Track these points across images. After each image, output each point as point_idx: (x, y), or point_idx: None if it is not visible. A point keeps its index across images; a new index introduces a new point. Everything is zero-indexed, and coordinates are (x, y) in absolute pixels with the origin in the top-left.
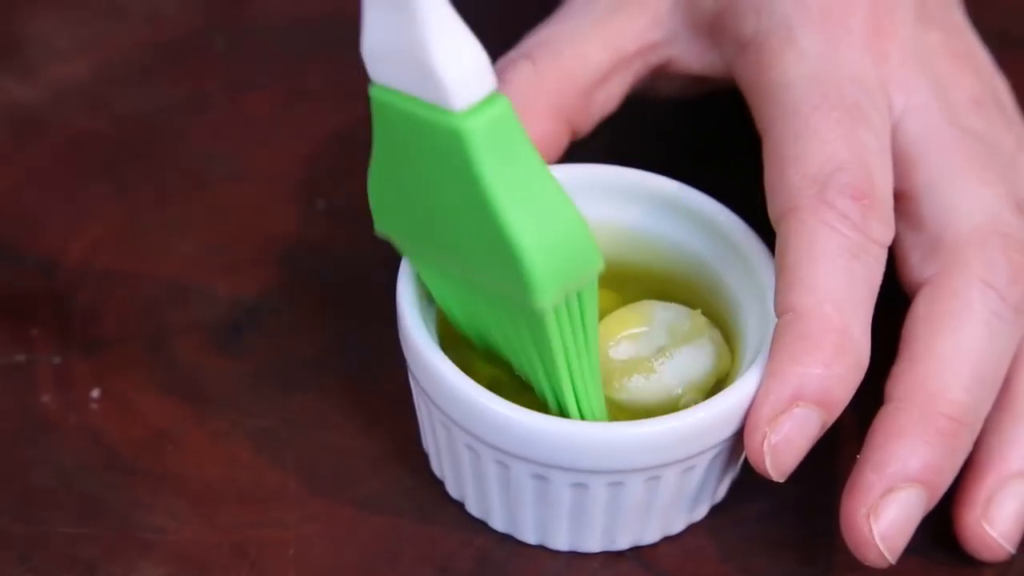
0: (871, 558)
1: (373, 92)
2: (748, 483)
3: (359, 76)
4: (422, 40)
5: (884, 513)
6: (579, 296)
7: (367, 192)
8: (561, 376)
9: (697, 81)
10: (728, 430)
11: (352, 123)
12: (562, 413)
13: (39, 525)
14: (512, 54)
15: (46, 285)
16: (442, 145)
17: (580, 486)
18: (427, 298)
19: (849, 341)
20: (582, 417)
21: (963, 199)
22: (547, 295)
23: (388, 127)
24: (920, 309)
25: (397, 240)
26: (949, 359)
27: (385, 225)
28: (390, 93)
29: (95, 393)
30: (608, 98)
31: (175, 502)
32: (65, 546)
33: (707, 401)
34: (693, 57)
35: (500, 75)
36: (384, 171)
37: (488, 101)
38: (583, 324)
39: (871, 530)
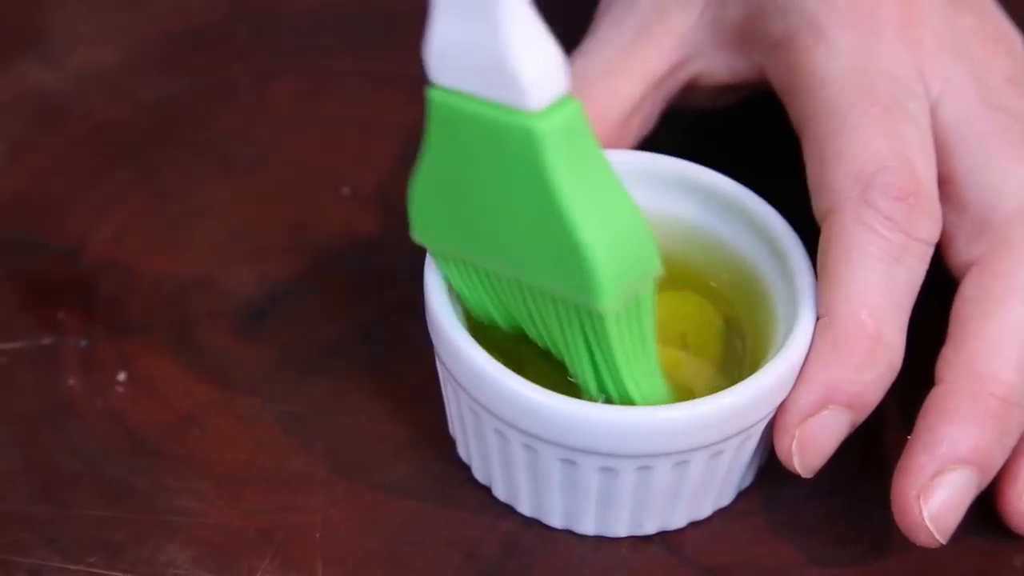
0: (922, 539)
1: (433, 94)
2: (776, 469)
3: (384, 66)
4: (502, 38)
5: (934, 495)
6: (638, 298)
7: (406, 196)
8: (622, 374)
9: (727, 90)
10: (757, 415)
11: (377, 111)
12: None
13: (65, 508)
14: None
15: (72, 271)
16: (510, 146)
17: (608, 470)
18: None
19: (882, 347)
20: None
21: (1006, 179)
22: (611, 298)
23: (445, 129)
24: (968, 290)
25: (434, 246)
26: (999, 340)
27: (423, 232)
28: (452, 95)
29: (121, 376)
30: (643, 122)
31: (201, 485)
32: (91, 529)
33: (735, 386)
34: (722, 67)
35: None
36: (433, 175)
37: (562, 102)
38: (640, 324)
39: (921, 512)
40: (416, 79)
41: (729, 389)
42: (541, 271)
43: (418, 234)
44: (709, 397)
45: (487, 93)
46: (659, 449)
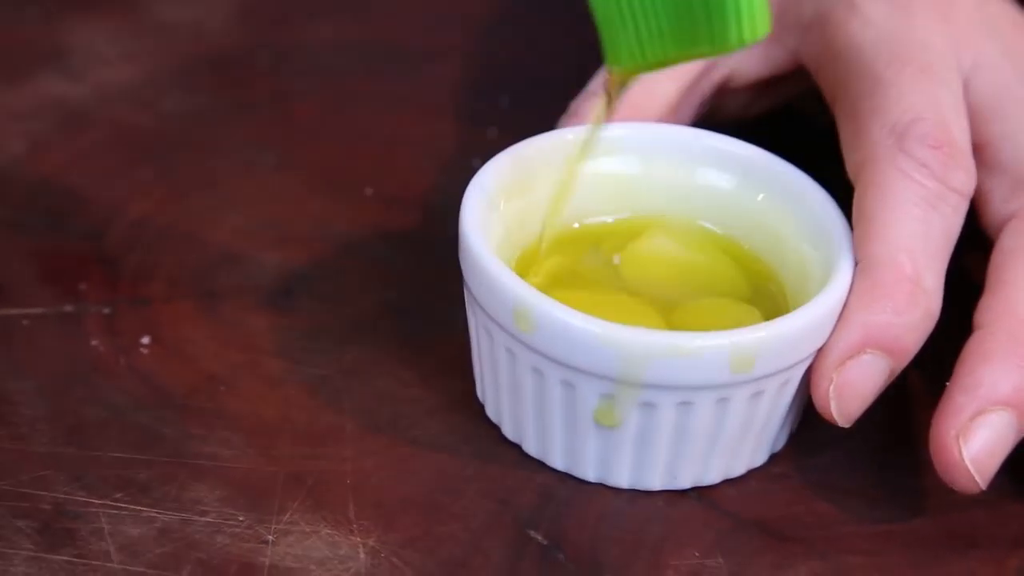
0: (961, 482)
1: None
2: (810, 437)
3: (397, 89)
4: None
5: (974, 436)
6: None
7: None
8: None
9: (761, 89)
10: (797, 353)
11: (395, 128)
12: None
13: (91, 451)
14: (586, 90)
15: (94, 249)
16: None
17: (648, 406)
18: (490, 224)
19: (920, 291)
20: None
21: None
22: (743, 34)
23: None
24: (1006, 242)
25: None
26: None
27: None
28: None
29: (145, 340)
30: (679, 123)
31: (230, 436)
32: (117, 468)
33: (776, 320)
34: (756, 61)
35: (576, 111)
36: None
37: None
38: None
39: (961, 453)
40: (428, 102)
41: (769, 322)
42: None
43: None
44: (751, 327)
45: None
46: (700, 381)
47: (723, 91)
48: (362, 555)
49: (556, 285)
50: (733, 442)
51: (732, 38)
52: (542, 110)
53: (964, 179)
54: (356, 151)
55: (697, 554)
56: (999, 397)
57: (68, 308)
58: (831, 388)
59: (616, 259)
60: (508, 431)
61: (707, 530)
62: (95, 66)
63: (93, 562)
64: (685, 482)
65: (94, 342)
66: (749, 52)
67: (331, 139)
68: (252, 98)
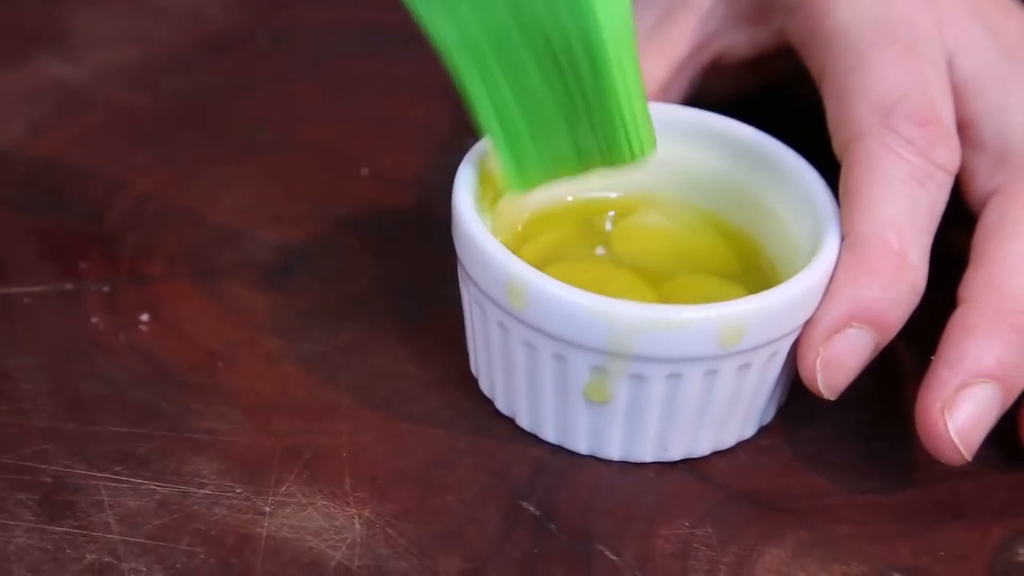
0: (947, 454)
1: None
2: (798, 410)
3: (397, 71)
4: None
5: (959, 408)
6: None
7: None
8: (610, 95)
9: (749, 68)
10: (784, 326)
11: (392, 109)
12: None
13: (91, 425)
14: None
15: (94, 229)
16: None
17: (638, 378)
18: (483, 202)
19: (906, 265)
20: (632, 148)
21: None
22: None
23: None
24: (990, 218)
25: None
26: (1021, 260)
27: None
28: None
29: (144, 317)
30: (669, 103)
31: (227, 411)
32: (117, 442)
33: (764, 292)
34: (743, 42)
35: None
36: None
37: None
38: (631, 49)
39: (946, 425)
40: (425, 84)
41: (757, 295)
42: None
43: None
44: (738, 300)
45: None
46: (689, 353)
47: (712, 71)
48: (357, 526)
49: (548, 260)
50: (722, 414)
51: (625, 159)
52: None
53: (949, 156)
54: (353, 132)
55: (687, 524)
56: (983, 370)
57: (68, 286)
58: (817, 361)
59: (608, 231)
60: (501, 405)
61: (698, 501)
62: (95, 47)
63: (93, 533)
64: (675, 454)
65: (94, 319)
66: (737, 33)
67: (329, 120)
68: (251, 79)
